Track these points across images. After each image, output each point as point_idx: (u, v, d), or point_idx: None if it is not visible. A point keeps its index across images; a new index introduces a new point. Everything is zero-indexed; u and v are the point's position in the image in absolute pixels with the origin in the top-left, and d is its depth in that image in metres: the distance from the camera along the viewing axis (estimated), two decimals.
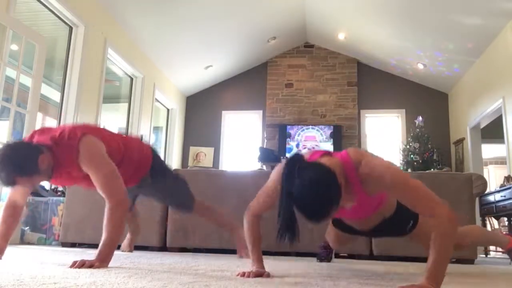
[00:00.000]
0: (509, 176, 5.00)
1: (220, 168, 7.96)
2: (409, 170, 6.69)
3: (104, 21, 5.36)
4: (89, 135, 1.94)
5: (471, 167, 6.50)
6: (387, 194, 1.64)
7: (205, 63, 7.54)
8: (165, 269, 1.73)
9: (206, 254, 3.24)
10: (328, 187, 1.35)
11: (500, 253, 6.48)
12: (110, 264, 1.78)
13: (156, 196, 2.67)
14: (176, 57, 7.04)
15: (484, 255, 5.26)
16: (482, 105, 6.11)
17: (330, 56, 8.15)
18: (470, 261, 3.18)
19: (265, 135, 8.03)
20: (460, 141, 7.05)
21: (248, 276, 1.51)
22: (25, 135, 3.84)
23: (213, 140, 8.31)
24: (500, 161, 9.44)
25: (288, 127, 7.82)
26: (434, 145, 7.07)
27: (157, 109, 7.64)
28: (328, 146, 7.51)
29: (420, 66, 7.20)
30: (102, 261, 1.72)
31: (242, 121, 8.45)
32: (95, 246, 3.49)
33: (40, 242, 3.81)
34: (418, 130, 7.12)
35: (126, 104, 6.53)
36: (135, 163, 2.24)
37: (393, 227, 1.80)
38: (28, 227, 3.84)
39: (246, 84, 8.41)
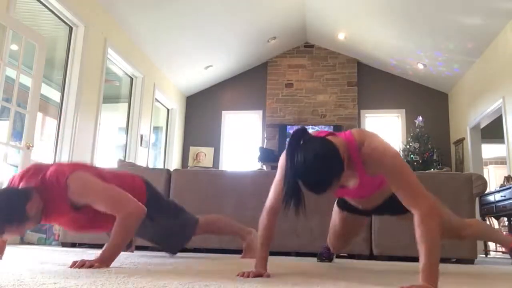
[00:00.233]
0: (509, 176, 5.00)
1: (220, 168, 7.97)
2: None
3: (104, 21, 5.36)
4: (77, 171, 1.90)
5: (471, 167, 6.50)
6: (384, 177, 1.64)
7: (205, 63, 7.54)
8: (165, 269, 1.73)
9: (206, 254, 3.24)
10: (330, 160, 1.39)
11: (501, 253, 6.48)
12: (110, 265, 1.78)
13: (150, 238, 2.51)
14: (176, 57, 7.04)
15: (484, 255, 5.26)
16: (482, 105, 6.11)
17: (330, 56, 8.15)
18: (470, 261, 3.18)
19: (265, 135, 8.04)
20: (460, 141, 7.05)
21: (248, 276, 1.51)
22: (25, 135, 3.84)
23: (213, 140, 8.31)
24: (500, 161, 9.44)
25: (288, 127, 7.82)
26: (434, 145, 7.07)
27: (157, 109, 7.64)
28: None
29: (420, 66, 7.21)
30: (103, 262, 1.71)
31: (242, 121, 8.45)
32: (95, 246, 3.49)
33: (40, 242, 3.81)
34: (418, 130, 7.12)
35: (126, 104, 6.53)
36: None
37: (394, 205, 1.78)
38: None
39: (246, 84, 8.41)
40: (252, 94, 8.35)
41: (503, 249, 3.54)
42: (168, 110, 8.04)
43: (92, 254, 1.78)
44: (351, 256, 3.22)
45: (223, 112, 8.40)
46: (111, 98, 6.73)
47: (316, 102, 8.03)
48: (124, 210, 1.84)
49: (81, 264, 1.64)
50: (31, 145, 3.83)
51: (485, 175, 7.39)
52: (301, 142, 1.44)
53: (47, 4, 4.45)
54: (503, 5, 4.90)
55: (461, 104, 7.10)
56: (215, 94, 8.48)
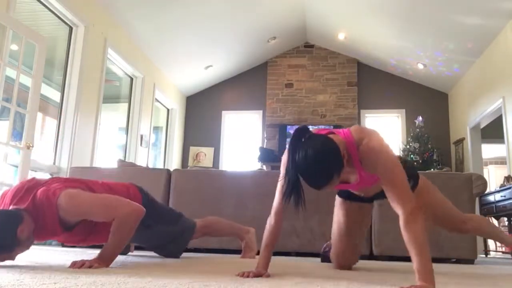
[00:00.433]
0: (509, 176, 5.00)
1: (220, 168, 7.97)
2: None
3: (104, 21, 5.36)
4: (67, 189, 1.85)
5: (471, 167, 6.50)
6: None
7: (205, 63, 7.54)
8: (165, 269, 1.73)
9: (206, 254, 3.24)
10: (330, 156, 1.45)
11: (501, 253, 6.48)
12: (110, 265, 1.78)
13: (149, 245, 2.51)
14: (176, 57, 7.04)
15: (484, 255, 5.26)
16: (482, 105, 6.11)
17: (330, 56, 8.15)
18: (470, 261, 3.18)
19: (265, 135, 8.04)
20: (460, 141, 7.05)
21: (248, 276, 1.51)
22: (25, 135, 3.83)
23: (213, 140, 8.31)
24: (500, 161, 9.44)
25: (288, 127, 7.82)
26: (434, 145, 7.08)
27: (157, 109, 7.64)
28: None
29: (420, 66, 7.21)
30: (102, 262, 1.71)
31: (242, 121, 8.45)
32: (95, 246, 3.49)
33: (40, 242, 3.80)
34: (418, 130, 7.12)
35: (126, 104, 6.53)
36: None
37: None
38: None
39: (246, 84, 8.42)
40: (252, 94, 8.35)
41: (504, 249, 3.55)
42: (168, 110, 8.04)
43: (92, 254, 1.78)
44: None
45: (223, 112, 8.40)
46: (111, 98, 6.73)
47: (316, 102, 8.03)
48: (120, 213, 1.83)
49: (81, 264, 1.64)
50: (31, 145, 3.83)
51: (485, 175, 7.39)
52: (303, 139, 1.50)
53: (47, 4, 4.45)
54: (503, 5, 4.90)
55: (461, 104, 7.10)
56: (215, 94, 8.48)
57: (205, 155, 8.26)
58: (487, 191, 4.53)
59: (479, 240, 4.87)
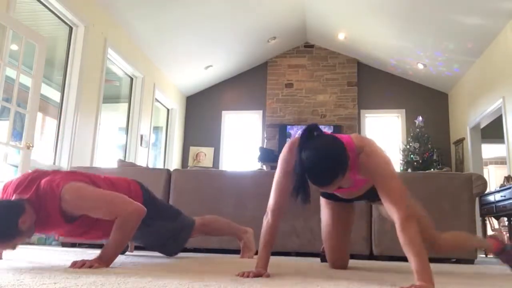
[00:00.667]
0: (509, 176, 5.00)
1: (220, 168, 7.97)
2: (409, 170, 6.69)
3: (104, 21, 5.36)
4: (71, 182, 1.86)
5: (471, 167, 6.50)
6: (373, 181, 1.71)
7: (205, 63, 7.54)
8: (165, 269, 1.73)
9: (206, 254, 3.24)
10: (338, 156, 1.47)
11: None
12: (110, 265, 1.78)
13: (148, 242, 2.50)
14: (176, 57, 7.04)
15: (484, 255, 5.25)
16: (482, 105, 6.11)
17: (330, 56, 8.15)
18: (470, 261, 3.18)
19: (265, 135, 8.04)
20: (460, 141, 7.05)
21: (248, 276, 1.51)
22: (25, 135, 3.84)
23: (213, 140, 8.31)
24: (500, 161, 9.44)
25: (288, 127, 7.82)
26: (434, 145, 7.08)
27: (157, 109, 7.64)
28: None
29: (420, 66, 7.20)
30: (103, 262, 1.71)
31: (242, 121, 8.45)
32: (95, 246, 3.49)
33: (40, 242, 3.81)
34: (418, 130, 7.12)
35: (126, 104, 6.53)
36: None
37: (371, 195, 1.89)
38: None
39: (246, 84, 8.41)
40: (252, 94, 8.35)
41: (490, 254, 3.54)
42: (168, 110, 8.04)
43: (92, 254, 1.78)
44: (351, 256, 3.20)
45: (223, 112, 8.40)
46: (111, 98, 6.73)
47: (316, 102, 8.03)
48: (122, 212, 1.83)
49: (81, 264, 1.64)
50: (31, 145, 3.83)
51: (485, 175, 7.39)
52: (312, 137, 1.53)
53: (47, 4, 4.45)
54: (503, 5, 4.90)
55: (461, 104, 7.10)
56: (215, 94, 8.48)
57: (205, 155, 8.26)
58: (487, 191, 4.52)
59: None
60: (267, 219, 1.69)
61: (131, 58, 6.15)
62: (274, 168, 7.96)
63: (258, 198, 3.33)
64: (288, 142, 1.70)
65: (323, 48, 8.17)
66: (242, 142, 8.31)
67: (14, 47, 4.05)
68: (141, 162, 6.54)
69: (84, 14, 4.90)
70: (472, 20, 5.44)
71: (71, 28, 4.93)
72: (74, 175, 1.97)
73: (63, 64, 4.92)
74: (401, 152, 7.16)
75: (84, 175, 2.02)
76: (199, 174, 3.62)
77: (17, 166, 3.85)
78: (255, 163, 7.55)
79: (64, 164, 4.65)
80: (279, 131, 7.85)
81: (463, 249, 2.93)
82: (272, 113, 8.09)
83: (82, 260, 1.66)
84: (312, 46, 8.23)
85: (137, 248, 3.14)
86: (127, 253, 2.86)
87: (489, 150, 8.57)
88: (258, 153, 7.47)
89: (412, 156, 6.93)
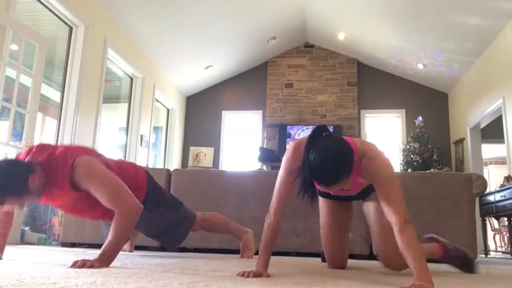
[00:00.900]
0: (509, 176, 5.00)
1: (220, 168, 7.97)
2: (409, 170, 6.69)
3: (104, 21, 5.36)
4: (84, 155, 1.91)
5: (471, 167, 6.50)
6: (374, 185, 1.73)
7: (205, 63, 7.54)
8: (165, 269, 1.73)
9: (206, 254, 3.24)
10: (345, 157, 1.50)
11: (501, 253, 6.48)
12: (110, 264, 1.78)
13: (150, 230, 2.50)
14: (176, 57, 7.04)
15: (484, 255, 5.26)
16: (482, 105, 6.11)
17: (330, 56, 8.15)
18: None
19: (265, 135, 8.04)
20: (460, 141, 7.05)
21: (248, 276, 1.51)
22: (25, 135, 3.84)
23: (213, 140, 8.31)
24: (500, 161, 9.44)
25: (288, 127, 7.82)
26: (434, 145, 7.08)
27: (157, 109, 7.64)
28: None
29: (420, 66, 7.21)
30: (103, 262, 1.71)
31: (242, 121, 8.45)
32: (95, 246, 3.49)
33: (40, 242, 3.81)
34: (418, 130, 7.12)
35: (126, 104, 6.53)
36: (129, 188, 2.13)
37: (365, 192, 1.95)
38: (28, 227, 3.84)
39: (246, 84, 8.42)
40: (252, 94, 8.35)
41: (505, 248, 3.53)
42: (168, 110, 8.04)
43: (92, 254, 1.78)
44: (351, 256, 3.21)
45: (223, 112, 8.40)
46: (111, 98, 6.73)
47: (316, 102, 8.03)
48: (122, 205, 1.84)
49: (82, 264, 1.64)
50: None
51: (485, 175, 7.39)
52: (323, 134, 1.55)
53: (47, 4, 4.45)
54: (503, 5, 4.90)
55: (461, 104, 7.10)
56: (215, 94, 8.48)
57: (205, 155, 8.26)
58: (487, 191, 4.52)
59: (479, 240, 4.86)
60: (269, 219, 1.70)
61: (131, 58, 6.15)
62: (274, 168, 7.94)
63: (258, 198, 3.33)
64: (293, 142, 1.71)
65: (323, 48, 8.17)
66: (242, 142, 8.31)
67: (14, 47, 4.05)
68: (141, 162, 6.55)
69: (84, 14, 4.90)
70: (472, 20, 5.44)
71: (71, 28, 4.93)
72: (88, 150, 2.04)
73: (63, 64, 4.92)
74: (401, 152, 7.16)
75: (97, 153, 2.08)
76: (199, 174, 3.62)
77: None
78: (255, 163, 7.55)
79: None
80: (279, 131, 7.85)
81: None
82: (272, 113, 8.09)
83: (83, 260, 1.66)
84: (312, 46, 8.23)
85: (137, 248, 3.15)
86: (127, 253, 2.86)
87: (489, 150, 8.56)
88: (258, 153, 7.47)
89: (412, 156, 6.93)
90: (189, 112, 8.56)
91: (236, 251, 3.34)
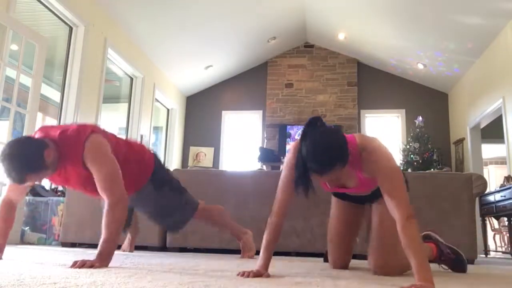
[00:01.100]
0: (509, 176, 5.00)
1: (220, 168, 7.97)
2: (409, 170, 6.69)
3: (104, 21, 5.36)
4: (97, 133, 1.97)
5: (471, 167, 6.50)
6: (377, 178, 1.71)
7: (205, 63, 7.54)
8: (165, 269, 1.73)
9: (206, 254, 3.24)
10: (338, 144, 1.51)
11: (501, 253, 6.48)
12: (110, 264, 1.78)
13: (153, 210, 2.51)
14: (176, 57, 7.04)
15: (484, 255, 5.26)
16: (482, 105, 6.11)
17: (330, 56, 8.15)
18: (470, 261, 3.17)
19: (265, 135, 8.03)
20: (460, 141, 7.05)
21: (248, 276, 1.51)
22: (25, 135, 3.84)
23: (213, 140, 8.31)
24: (500, 161, 9.44)
25: (288, 127, 7.82)
26: (434, 145, 7.07)
27: (157, 109, 7.64)
28: None
29: (420, 66, 7.20)
30: (103, 261, 1.72)
31: (242, 121, 8.45)
32: (95, 246, 3.48)
33: (40, 242, 3.81)
34: (418, 130, 7.12)
35: (126, 104, 6.53)
36: (137, 168, 2.23)
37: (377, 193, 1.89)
38: (28, 227, 3.84)
39: (246, 84, 8.41)
40: (252, 94, 8.35)
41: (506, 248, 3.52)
42: (168, 110, 8.04)
43: (92, 254, 1.79)
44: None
45: (223, 112, 8.40)
46: (111, 98, 6.73)
47: (316, 102, 8.03)
48: (111, 196, 1.85)
49: (81, 264, 1.64)
50: None
51: (485, 175, 7.38)
52: (318, 123, 1.57)
53: (47, 4, 4.45)
54: (503, 5, 4.90)
55: (461, 104, 7.10)
56: (215, 94, 8.48)
57: (205, 155, 8.26)
58: (487, 191, 4.52)
59: (479, 240, 4.86)
60: (271, 220, 1.70)
61: (131, 58, 6.15)
62: (274, 168, 7.90)
63: (258, 198, 3.33)
64: (294, 142, 1.73)
65: (323, 48, 8.17)
66: (242, 142, 8.31)
67: (14, 47, 4.05)
68: None
69: (84, 14, 4.90)
70: (472, 20, 5.44)
71: (71, 28, 4.93)
72: (100, 129, 2.07)
73: (63, 64, 4.92)
74: (401, 152, 7.16)
75: (107, 133, 2.11)
76: (199, 174, 3.62)
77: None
78: (255, 163, 7.55)
79: None
80: (279, 131, 7.85)
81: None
82: (272, 113, 8.09)
83: (82, 260, 1.67)
84: (312, 46, 8.23)
85: (137, 248, 3.15)
86: (127, 253, 2.86)
87: (489, 150, 8.56)
88: (258, 153, 7.47)
89: (412, 156, 6.93)
90: (189, 112, 8.56)
91: (236, 251, 3.34)
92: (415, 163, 6.82)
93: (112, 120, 7.28)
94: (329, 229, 2.15)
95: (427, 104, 7.78)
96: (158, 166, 2.37)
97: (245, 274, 1.53)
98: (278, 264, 2.19)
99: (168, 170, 2.54)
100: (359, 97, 7.96)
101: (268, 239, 1.67)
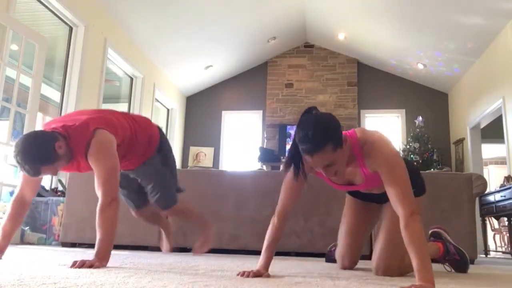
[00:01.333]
0: (509, 176, 5.00)
1: (220, 168, 7.97)
2: None
3: (104, 21, 5.36)
4: (102, 129, 1.98)
5: (471, 167, 6.50)
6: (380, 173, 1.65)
7: (205, 63, 7.54)
8: (165, 269, 1.73)
9: (206, 254, 3.24)
10: (331, 125, 1.51)
11: (501, 253, 6.48)
12: (110, 264, 1.79)
13: (157, 181, 2.50)
14: (176, 57, 7.04)
15: (484, 255, 5.26)
16: (482, 105, 6.11)
17: (330, 56, 8.15)
18: (470, 261, 3.17)
19: (265, 135, 8.03)
20: (460, 141, 7.05)
21: (248, 276, 1.51)
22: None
23: (213, 140, 8.31)
24: (500, 161, 9.44)
25: (288, 127, 7.82)
26: (434, 145, 7.08)
27: (157, 109, 7.64)
28: None
29: (420, 66, 7.20)
30: (101, 260, 1.72)
31: (242, 121, 8.45)
32: (95, 246, 3.49)
33: (40, 242, 3.81)
34: (418, 130, 7.12)
35: (126, 104, 6.53)
36: (145, 140, 2.30)
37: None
38: (28, 227, 3.84)
39: (246, 84, 8.41)
40: (252, 94, 8.35)
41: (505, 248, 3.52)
42: (168, 110, 8.04)
43: (92, 254, 1.79)
44: None
45: (223, 112, 8.40)
46: (111, 98, 6.73)
47: (316, 102, 8.03)
48: (108, 195, 1.87)
49: (81, 264, 1.64)
50: None
51: (485, 175, 7.39)
52: (313, 111, 1.60)
53: (47, 4, 4.45)
54: (503, 5, 4.90)
55: (461, 104, 7.10)
56: (215, 94, 8.48)
57: (205, 155, 8.26)
58: (487, 191, 4.52)
59: (479, 240, 4.87)
60: (273, 221, 1.70)
61: (131, 58, 6.15)
62: (274, 168, 7.88)
63: (258, 198, 3.33)
64: None
65: (323, 48, 8.17)
66: (242, 142, 8.31)
67: (14, 47, 4.05)
68: None
69: (84, 14, 4.90)
70: (472, 20, 5.44)
71: (71, 28, 4.93)
72: (104, 118, 2.07)
73: (63, 64, 4.92)
74: (401, 152, 7.16)
75: (111, 120, 2.11)
76: (199, 174, 3.62)
77: (17, 166, 3.85)
78: (255, 163, 7.55)
79: None
80: (279, 131, 7.85)
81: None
82: (272, 113, 8.08)
83: (82, 260, 1.67)
84: (312, 46, 8.23)
85: (137, 248, 3.14)
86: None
87: (489, 150, 8.56)
88: (258, 153, 7.47)
89: (412, 156, 6.93)
90: (189, 112, 8.56)
91: (236, 251, 3.35)
92: (415, 163, 6.81)
93: None
94: (340, 231, 2.12)
95: (427, 104, 7.78)
96: (163, 139, 2.45)
97: (245, 274, 1.53)
98: (278, 264, 2.19)
99: (170, 151, 2.59)
100: (359, 97, 7.96)
101: (269, 240, 1.67)
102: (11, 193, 4.14)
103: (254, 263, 1.64)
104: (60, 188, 4.33)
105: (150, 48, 6.48)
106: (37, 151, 1.81)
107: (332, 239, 3.10)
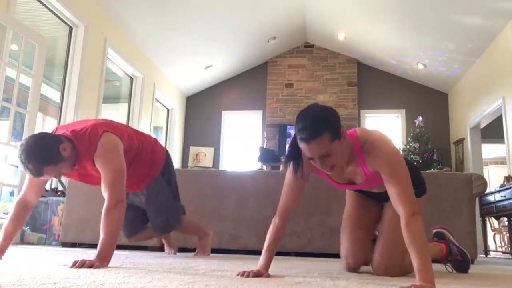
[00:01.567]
0: (509, 176, 5.00)
1: (220, 168, 7.97)
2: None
3: (104, 21, 5.36)
4: (110, 133, 2.00)
5: (471, 167, 6.50)
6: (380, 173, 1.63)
7: (205, 63, 7.54)
8: (165, 269, 1.73)
9: None
10: (329, 116, 1.50)
11: (501, 253, 6.48)
12: (110, 264, 1.79)
13: (160, 205, 2.49)
14: (176, 57, 7.04)
15: (484, 255, 5.26)
16: (482, 105, 6.11)
17: (330, 56, 8.15)
18: (470, 261, 3.17)
19: (265, 135, 8.03)
20: (460, 141, 7.05)
21: (248, 276, 1.51)
22: (25, 135, 3.84)
23: (213, 140, 8.31)
24: (500, 161, 9.44)
25: (288, 127, 7.82)
26: (434, 145, 7.08)
27: (157, 109, 7.64)
28: None
29: (420, 66, 7.20)
30: (102, 261, 1.72)
31: (242, 121, 8.45)
32: (95, 246, 3.49)
33: (40, 242, 3.81)
34: (418, 130, 7.12)
35: (126, 104, 6.53)
36: (149, 158, 2.31)
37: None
38: (28, 227, 3.84)
39: (246, 84, 8.41)
40: (252, 94, 8.35)
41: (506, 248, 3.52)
42: (168, 110, 8.04)
43: (92, 254, 1.79)
44: None
45: (223, 112, 8.40)
46: (111, 98, 6.73)
47: (316, 102, 8.01)
48: (114, 197, 1.88)
49: (81, 264, 1.64)
50: None
51: (485, 175, 7.39)
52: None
53: (47, 4, 4.45)
54: (503, 5, 4.90)
55: (461, 104, 7.10)
56: (215, 94, 8.48)
57: (205, 155, 8.26)
58: (487, 191, 4.52)
59: (479, 240, 4.87)
60: (274, 221, 1.70)
61: (131, 58, 6.15)
62: (274, 168, 7.86)
63: (258, 198, 3.33)
64: None
65: (323, 48, 8.17)
66: (242, 142, 8.31)
67: (14, 47, 4.05)
68: None
69: (84, 14, 4.90)
70: (472, 20, 5.44)
71: (71, 28, 4.93)
72: (113, 125, 2.10)
73: (63, 64, 4.92)
74: (401, 152, 7.16)
75: (121, 129, 2.13)
76: (199, 174, 3.62)
77: (17, 166, 3.85)
78: (255, 163, 7.55)
79: None
80: (279, 131, 7.85)
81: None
82: (272, 113, 8.08)
83: (82, 260, 1.67)
84: (312, 46, 8.23)
85: (137, 248, 3.15)
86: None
87: (489, 150, 8.56)
88: (258, 153, 7.47)
89: (412, 156, 6.93)
90: (189, 112, 8.56)
91: (236, 251, 3.35)
92: (415, 163, 6.81)
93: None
94: (342, 226, 2.03)
95: (427, 104, 7.78)
96: (169, 160, 2.47)
97: (245, 274, 1.53)
98: (278, 264, 2.19)
99: (174, 175, 2.58)
100: (359, 97, 7.96)
101: (269, 240, 1.67)
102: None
103: (254, 263, 1.64)
104: (60, 188, 4.33)
105: (150, 48, 6.48)
106: (41, 151, 1.82)
107: (332, 239, 3.10)
